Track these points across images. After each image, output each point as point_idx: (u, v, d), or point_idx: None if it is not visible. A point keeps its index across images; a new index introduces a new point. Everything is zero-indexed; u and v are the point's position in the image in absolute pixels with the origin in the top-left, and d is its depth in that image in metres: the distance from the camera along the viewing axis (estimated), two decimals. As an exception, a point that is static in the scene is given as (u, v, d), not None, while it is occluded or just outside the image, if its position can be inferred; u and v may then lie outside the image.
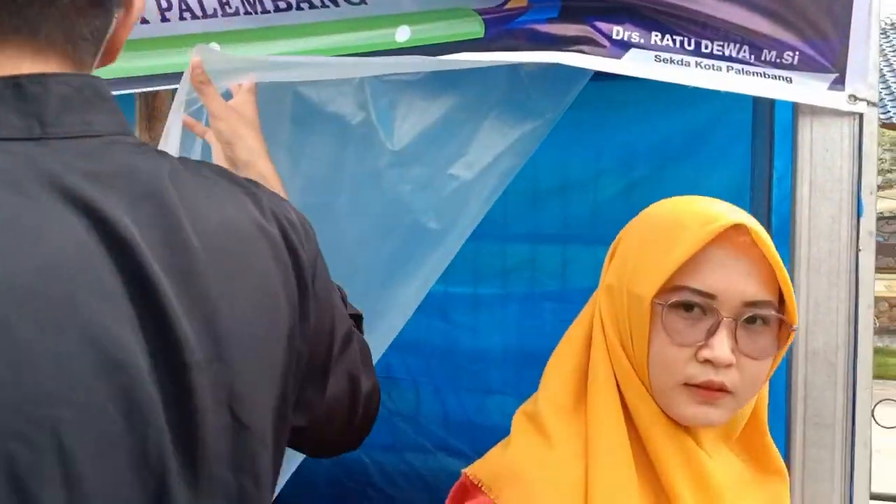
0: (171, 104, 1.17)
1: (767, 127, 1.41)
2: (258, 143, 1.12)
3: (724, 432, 0.86)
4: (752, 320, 0.79)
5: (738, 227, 0.79)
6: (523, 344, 2.06)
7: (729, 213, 0.80)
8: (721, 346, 0.77)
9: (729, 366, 0.78)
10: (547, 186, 1.98)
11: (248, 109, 1.15)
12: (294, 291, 0.75)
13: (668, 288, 0.79)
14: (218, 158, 1.14)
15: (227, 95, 1.19)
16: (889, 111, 12.74)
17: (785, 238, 1.11)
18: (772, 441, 0.89)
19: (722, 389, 0.79)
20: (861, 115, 1.07)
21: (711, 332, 0.78)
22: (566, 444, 0.82)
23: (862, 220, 1.06)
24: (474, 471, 0.86)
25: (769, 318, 0.80)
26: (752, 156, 1.59)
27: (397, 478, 2.20)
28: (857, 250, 1.05)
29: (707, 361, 0.78)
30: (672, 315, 0.79)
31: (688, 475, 0.80)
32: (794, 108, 1.11)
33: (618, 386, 0.83)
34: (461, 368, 2.13)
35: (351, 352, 0.87)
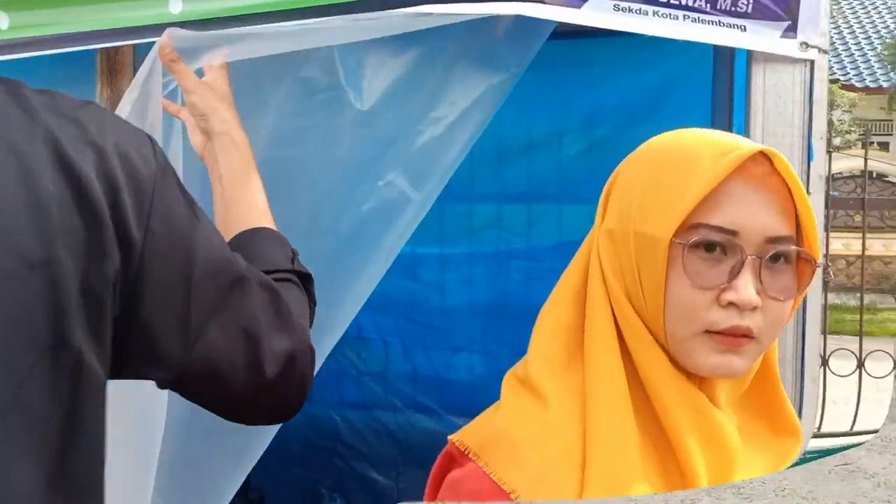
0: (132, 58, 1.17)
1: (727, 84, 1.44)
2: (231, 114, 1.15)
3: (734, 387, 0.79)
4: (775, 258, 0.73)
5: (755, 157, 0.72)
6: (490, 302, 2.09)
7: (743, 142, 0.74)
8: (746, 288, 0.71)
9: (754, 309, 0.71)
10: (511, 146, 1.99)
11: (221, 84, 1.17)
12: (71, 225, 0.67)
13: (685, 227, 0.72)
14: (193, 133, 1.17)
15: (200, 74, 1.21)
16: (849, 73, 12.95)
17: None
18: (786, 397, 0.83)
19: (747, 335, 0.72)
20: (812, 62, 1.11)
21: (735, 273, 0.71)
22: (561, 403, 0.75)
23: (812, 164, 1.10)
24: (461, 437, 0.79)
25: (790, 254, 0.74)
26: (712, 113, 1.62)
27: (368, 435, 2.23)
28: (808, 193, 1.09)
29: (731, 305, 0.71)
30: (691, 256, 0.72)
31: (697, 432, 0.74)
32: (748, 56, 1.14)
33: (619, 338, 0.76)
34: (429, 327, 2.15)
35: (244, 307, 0.79)
